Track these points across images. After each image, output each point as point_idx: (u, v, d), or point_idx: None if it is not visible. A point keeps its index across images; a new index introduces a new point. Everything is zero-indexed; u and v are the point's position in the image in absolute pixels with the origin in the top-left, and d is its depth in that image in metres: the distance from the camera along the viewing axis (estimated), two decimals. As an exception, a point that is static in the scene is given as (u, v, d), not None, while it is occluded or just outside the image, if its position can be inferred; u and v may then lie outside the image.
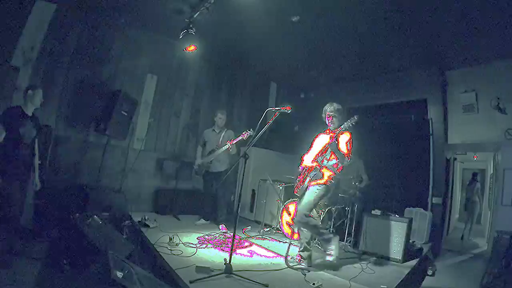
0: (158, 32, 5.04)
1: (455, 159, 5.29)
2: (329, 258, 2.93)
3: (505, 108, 4.23)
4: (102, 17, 4.54)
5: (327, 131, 3.21)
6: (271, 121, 2.94)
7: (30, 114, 2.90)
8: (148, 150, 5.10)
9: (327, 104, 3.18)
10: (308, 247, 3.13)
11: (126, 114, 4.28)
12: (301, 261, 3.09)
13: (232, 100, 6.36)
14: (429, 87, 4.97)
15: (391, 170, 5.24)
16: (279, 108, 2.92)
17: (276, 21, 4.12)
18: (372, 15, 3.75)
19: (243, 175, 3.01)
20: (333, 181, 3.03)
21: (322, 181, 2.98)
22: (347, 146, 2.96)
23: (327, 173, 3.00)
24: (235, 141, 4.13)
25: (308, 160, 3.19)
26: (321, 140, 3.17)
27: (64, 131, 4.28)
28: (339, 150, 2.88)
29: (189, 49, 4.32)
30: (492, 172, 6.09)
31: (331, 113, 3.12)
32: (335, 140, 2.84)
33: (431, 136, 4.88)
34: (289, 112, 2.92)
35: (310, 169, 3.06)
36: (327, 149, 2.95)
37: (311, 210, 3.01)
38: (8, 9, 3.77)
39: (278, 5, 3.74)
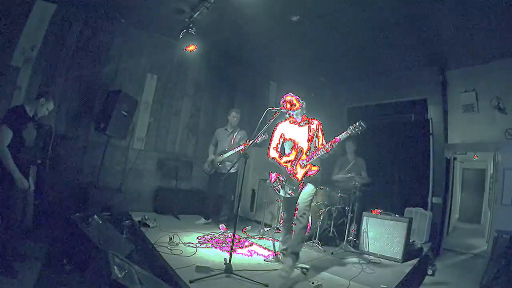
0: (158, 32, 5.04)
1: (455, 159, 5.29)
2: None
3: (505, 108, 4.22)
4: (102, 17, 4.54)
5: (293, 120, 3.12)
6: (271, 121, 2.94)
7: (32, 116, 2.80)
8: (148, 150, 5.11)
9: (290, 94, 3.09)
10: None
11: (126, 114, 4.28)
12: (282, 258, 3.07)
13: (232, 100, 6.36)
14: (429, 87, 4.97)
15: (391, 169, 5.24)
16: (279, 108, 2.92)
17: (276, 21, 4.12)
18: (372, 15, 3.75)
19: (243, 175, 3.00)
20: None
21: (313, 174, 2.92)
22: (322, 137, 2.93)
23: (314, 168, 2.92)
24: (249, 144, 4.01)
25: (275, 154, 3.12)
26: (296, 132, 3.07)
27: (64, 131, 4.28)
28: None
29: (189, 49, 4.33)
30: (492, 172, 6.09)
31: (302, 102, 3.06)
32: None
33: (431, 136, 4.88)
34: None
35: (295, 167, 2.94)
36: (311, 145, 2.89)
37: (310, 205, 2.93)
38: (8, 9, 3.77)
39: (278, 5, 3.74)
